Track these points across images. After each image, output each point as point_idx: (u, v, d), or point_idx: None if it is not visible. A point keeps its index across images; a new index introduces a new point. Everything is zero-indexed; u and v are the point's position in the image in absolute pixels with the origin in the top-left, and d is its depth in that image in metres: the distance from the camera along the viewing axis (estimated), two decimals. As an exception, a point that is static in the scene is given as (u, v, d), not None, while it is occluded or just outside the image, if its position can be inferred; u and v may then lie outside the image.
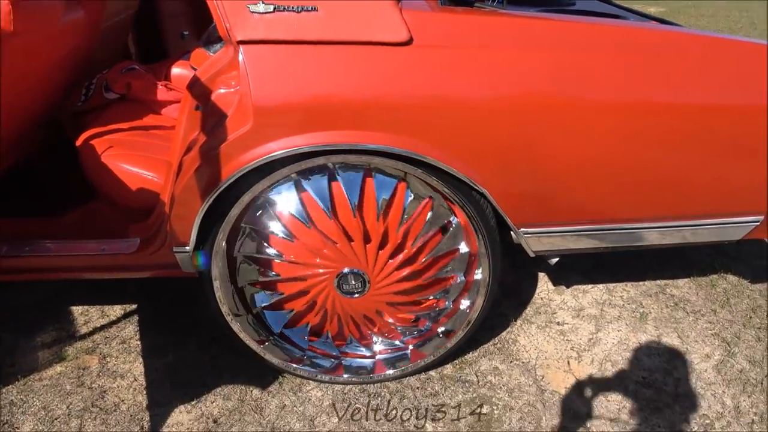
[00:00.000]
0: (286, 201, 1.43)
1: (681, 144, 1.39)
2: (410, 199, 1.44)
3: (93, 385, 1.68)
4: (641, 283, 2.11)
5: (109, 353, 1.79)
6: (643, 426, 1.56)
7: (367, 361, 1.69)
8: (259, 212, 1.46)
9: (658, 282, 2.11)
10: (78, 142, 1.70)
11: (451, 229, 1.51)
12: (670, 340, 1.85)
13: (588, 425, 1.56)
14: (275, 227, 1.46)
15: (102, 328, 1.89)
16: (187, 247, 1.45)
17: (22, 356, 1.77)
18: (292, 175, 1.39)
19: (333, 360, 1.68)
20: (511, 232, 1.52)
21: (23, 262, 1.55)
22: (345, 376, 1.65)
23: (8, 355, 1.77)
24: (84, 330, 1.88)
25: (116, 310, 1.96)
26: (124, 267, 1.58)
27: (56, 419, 1.57)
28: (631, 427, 1.56)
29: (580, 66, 1.31)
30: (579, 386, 1.69)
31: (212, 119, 1.33)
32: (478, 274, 1.56)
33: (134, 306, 1.98)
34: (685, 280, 2.13)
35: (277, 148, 1.30)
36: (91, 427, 1.56)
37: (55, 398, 1.64)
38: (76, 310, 1.96)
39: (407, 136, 1.30)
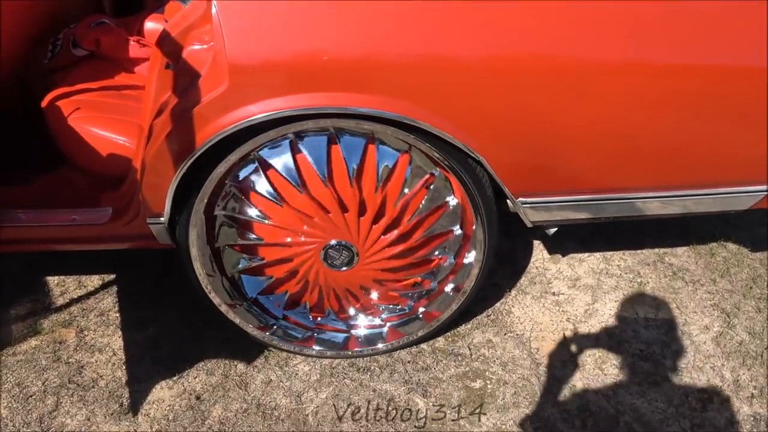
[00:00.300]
0: (278, 161, 1.33)
1: (686, 108, 1.31)
2: (411, 172, 1.36)
3: (70, 360, 1.61)
4: (639, 251, 2.05)
5: (86, 326, 1.71)
6: (640, 400, 1.52)
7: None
8: (247, 171, 1.36)
9: (657, 250, 2.05)
10: (44, 104, 1.58)
11: (449, 208, 1.43)
12: (669, 311, 1.80)
13: (584, 399, 1.52)
14: (262, 188, 1.36)
15: (79, 299, 1.81)
16: (162, 218, 1.35)
17: (-5, 330, 1.69)
18: (289, 135, 1.29)
19: (306, 331, 1.62)
20: (508, 201, 1.44)
21: (-12, 233, 1.46)
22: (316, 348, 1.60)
23: (-20, 328, 1.69)
24: (60, 302, 1.80)
25: (94, 281, 1.87)
26: (97, 238, 1.49)
27: (31, 396, 1.51)
28: (629, 401, 1.52)
29: (583, 22, 1.20)
30: (575, 359, 1.64)
31: (184, 79, 1.22)
32: (469, 257, 1.49)
33: (112, 276, 1.89)
34: (684, 248, 2.06)
35: (257, 111, 1.19)
36: (68, 404, 1.50)
37: (30, 374, 1.57)
38: (52, 280, 1.87)
39: (399, 99, 1.20)
